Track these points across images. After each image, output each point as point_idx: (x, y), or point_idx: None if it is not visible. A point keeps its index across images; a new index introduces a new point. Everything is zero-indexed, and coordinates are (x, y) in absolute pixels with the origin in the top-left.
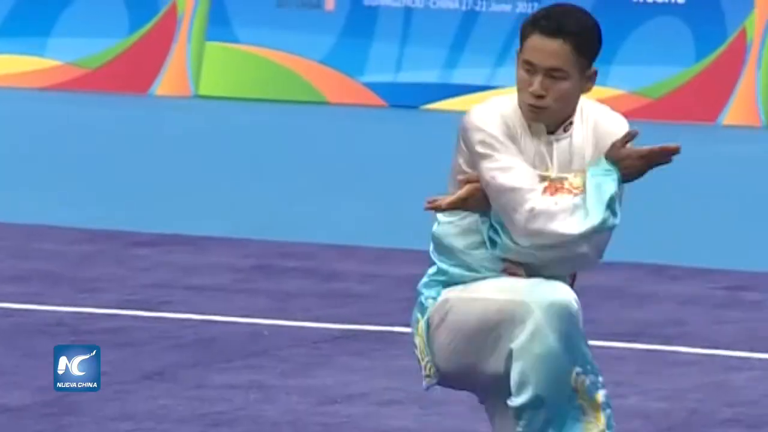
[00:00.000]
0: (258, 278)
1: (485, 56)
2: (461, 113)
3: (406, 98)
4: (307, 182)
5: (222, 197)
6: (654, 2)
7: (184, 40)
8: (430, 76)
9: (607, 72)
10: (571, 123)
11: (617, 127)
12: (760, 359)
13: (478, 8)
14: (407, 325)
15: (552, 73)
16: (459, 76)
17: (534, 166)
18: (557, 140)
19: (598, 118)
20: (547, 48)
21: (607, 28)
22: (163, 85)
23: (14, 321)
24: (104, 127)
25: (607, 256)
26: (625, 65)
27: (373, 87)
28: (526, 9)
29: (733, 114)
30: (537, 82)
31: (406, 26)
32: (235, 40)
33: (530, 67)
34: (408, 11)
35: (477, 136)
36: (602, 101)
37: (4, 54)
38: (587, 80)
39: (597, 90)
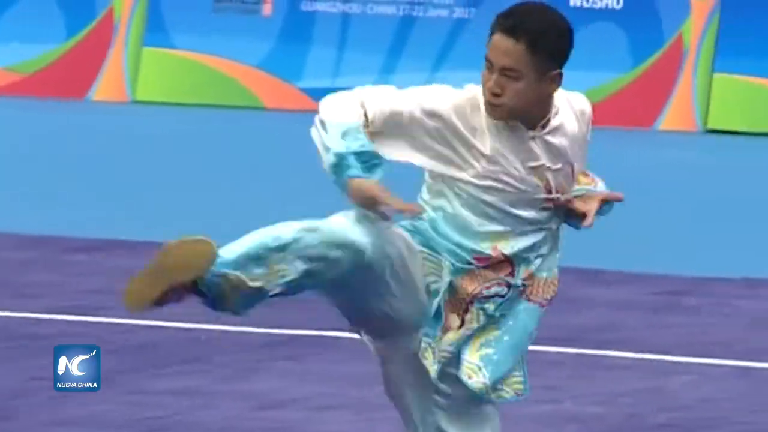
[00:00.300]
0: None
1: (422, 61)
2: None
3: None
4: (242, 188)
5: (159, 202)
6: (591, 7)
7: (121, 45)
8: (367, 81)
9: None
10: (548, 121)
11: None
12: (695, 364)
13: (415, 13)
14: (343, 329)
15: (506, 72)
16: (396, 81)
17: (523, 160)
18: (537, 137)
19: (579, 109)
20: (502, 46)
21: None
22: (100, 91)
23: None
24: (41, 132)
25: None
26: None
27: (311, 92)
28: (463, 14)
29: (669, 119)
30: (493, 80)
31: (343, 31)
32: (172, 46)
33: (489, 64)
34: (345, 16)
35: (432, 93)
36: None
37: None
38: (550, 81)
39: None
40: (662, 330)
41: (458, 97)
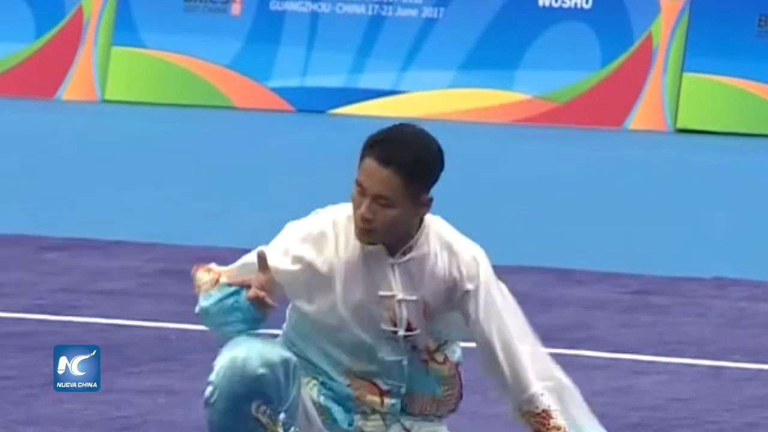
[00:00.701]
0: (165, 282)
1: (391, 61)
2: (368, 118)
3: (313, 103)
4: (212, 187)
5: (130, 201)
6: (560, 7)
7: (91, 44)
8: (336, 80)
9: (512, 77)
10: (411, 247)
11: (469, 259)
12: (666, 363)
13: (384, 13)
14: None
15: (380, 200)
16: (366, 81)
17: (378, 287)
18: (398, 264)
19: (452, 246)
20: (376, 175)
21: (513, 32)
22: (70, 90)
23: None
24: (10, 131)
25: (514, 261)
26: (531, 70)
27: (280, 92)
28: (432, 14)
29: (639, 118)
30: (365, 205)
31: (312, 31)
32: (142, 45)
33: (361, 189)
34: (314, 16)
35: (303, 222)
36: (508, 106)
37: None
38: (421, 206)
39: (504, 95)
40: (633, 329)
41: (313, 230)
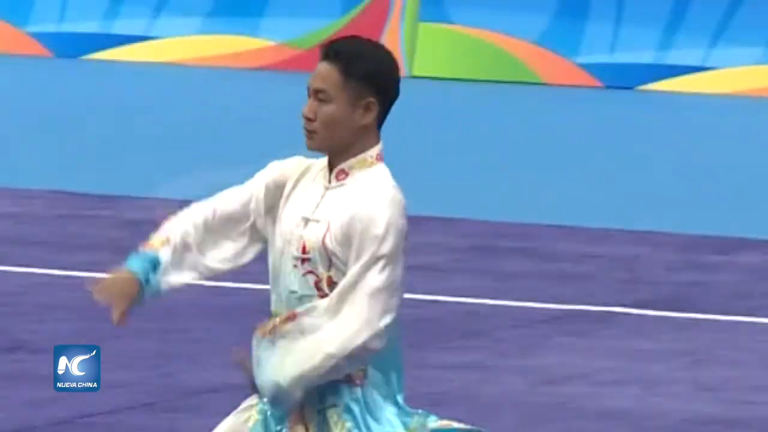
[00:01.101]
0: (475, 258)
1: (699, 37)
2: (677, 94)
3: (622, 79)
4: (523, 163)
5: (436, 176)
6: None
7: (397, 20)
8: (644, 56)
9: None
10: (344, 173)
11: (372, 212)
12: None
13: None
14: (625, 305)
15: (318, 95)
16: (673, 57)
17: (304, 210)
18: (330, 189)
19: (367, 192)
20: (319, 71)
21: None
22: None
23: (234, 300)
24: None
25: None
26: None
27: (588, 68)
28: None
29: None
30: (307, 104)
31: (620, 6)
32: (449, 20)
33: (308, 91)
34: None
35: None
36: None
37: (215, 34)
38: (359, 107)
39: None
40: None
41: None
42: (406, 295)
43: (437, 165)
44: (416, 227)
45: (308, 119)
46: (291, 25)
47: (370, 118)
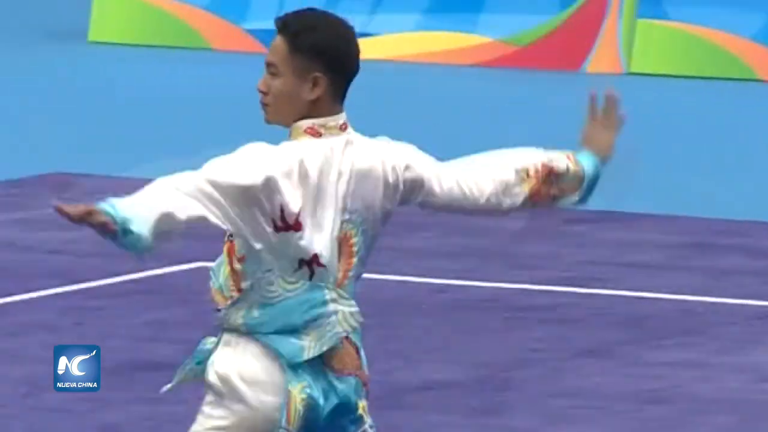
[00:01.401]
0: (691, 255)
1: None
2: None
3: None
4: (739, 160)
5: (653, 173)
6: None
7: (615, 16)
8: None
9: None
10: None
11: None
12: None
13: None
14: None
15: (269, 69)
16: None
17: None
18: None
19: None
20: (272, 43)
21: None
22: (594, 62)
23: (448, 297)
24: (536, 104)
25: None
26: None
27: None
28: None
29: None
30: (263, 77)
31: None
32: (666, 17)
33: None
34: None
35: None
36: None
37: (432, 31)
38: (311, 85)
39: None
40: None
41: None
42: (622, 293)
43: (655, 162)
44: (633, 225)
45: (262, 92)
46: (508, 21)
47: (318, 92)
